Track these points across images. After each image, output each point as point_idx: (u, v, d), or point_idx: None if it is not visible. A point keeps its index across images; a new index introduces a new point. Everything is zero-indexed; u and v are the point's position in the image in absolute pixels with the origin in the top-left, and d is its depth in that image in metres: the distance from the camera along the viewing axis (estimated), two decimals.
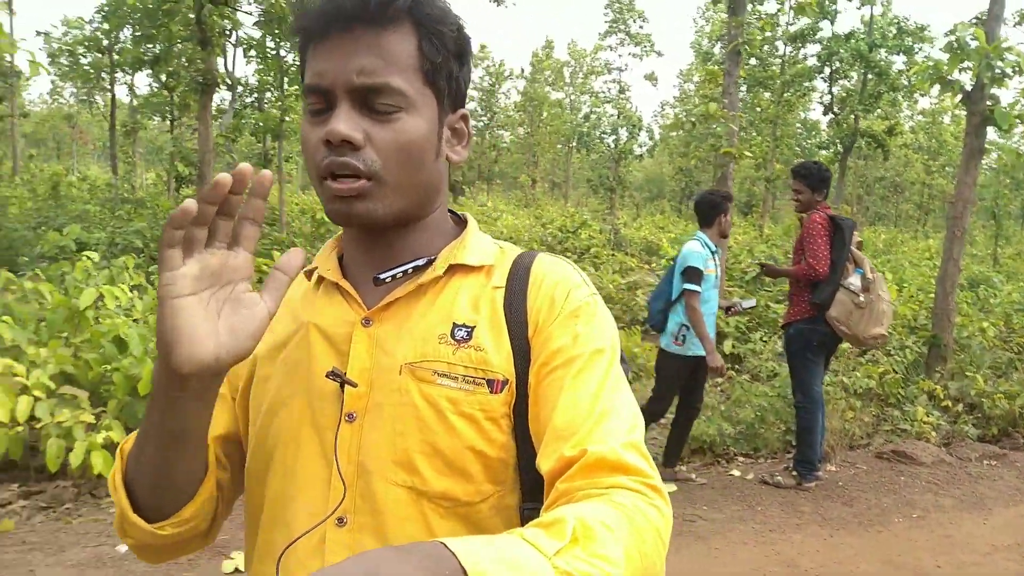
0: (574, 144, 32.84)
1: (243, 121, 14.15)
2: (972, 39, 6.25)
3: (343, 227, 0.90)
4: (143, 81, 21.62)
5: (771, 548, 3.55)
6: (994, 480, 4.70)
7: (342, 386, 0.84)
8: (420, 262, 0.89)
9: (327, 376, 0.83)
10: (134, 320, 4.77)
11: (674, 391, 4.31)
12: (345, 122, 0.80)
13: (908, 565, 3.46)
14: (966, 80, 6.50)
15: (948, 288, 6.59)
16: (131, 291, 5.07)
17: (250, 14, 11.34)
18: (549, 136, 34.65)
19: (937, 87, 6.63)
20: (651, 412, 4.37)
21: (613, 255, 13.55)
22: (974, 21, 6.37)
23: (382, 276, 0.86)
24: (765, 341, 6.73)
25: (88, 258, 5.14)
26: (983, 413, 5.87)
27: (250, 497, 0.92)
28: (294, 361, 0.88)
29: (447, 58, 0.86)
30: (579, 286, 0.89)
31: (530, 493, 0.85)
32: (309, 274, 0.95)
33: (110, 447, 3.86)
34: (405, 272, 0.87)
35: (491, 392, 0.83)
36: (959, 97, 6.60)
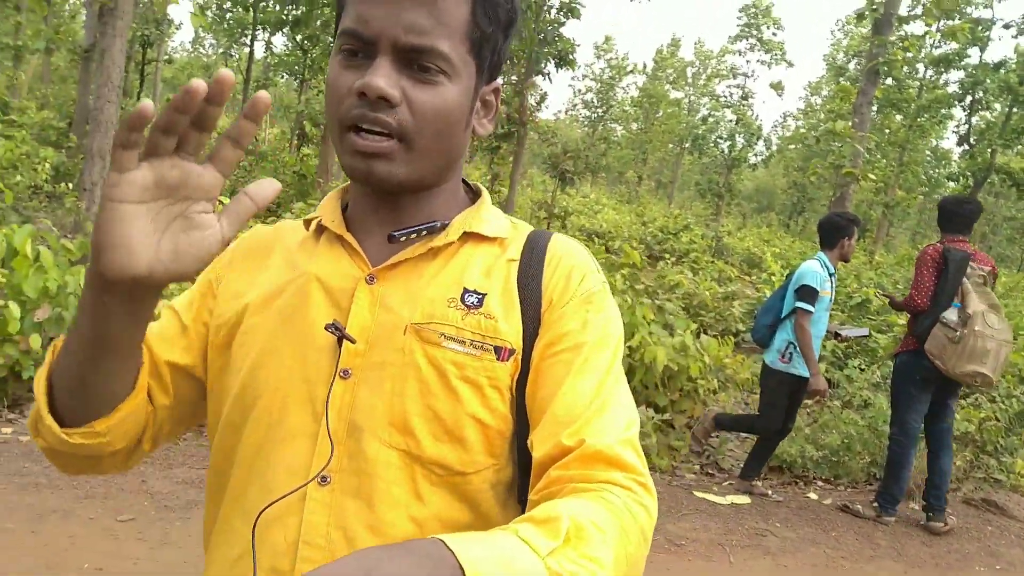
0: (687, 146, 32.32)
1: None
2: None
3: (357, 184, 0.86)
4: (280, 41, 22.64)
5: (841, 574, 3.52)
6: None
7: (340, 341, 0.81)
8: (435, 224, 0.86)
9: (326, 329, 0.80)
10: None
11: (779, 408, 4.30)
12: (385, 78, 0.76)
13: None
14: None
15: None
16: None
17: None
18: (662, 135, 34.20)
19: None
20: (758, 428, 4.42)
21: (713, 262, 13.38)
22: None
23: (397, 234, 0.84)
24: (862, 369, 6.55)
25: (220, 201, 5.49)
26: None
27: (220, 451, 0.87)
28: (290, 310, 0.84)
29: (496, 29, 0.83)
30: (594, 272, 0.88)
31: (524, 469, 0.83)
32: (309, 223, 0.91)
33: None
34: (418, 233, 0.85)
35: (498, 359, 0.81)
36: None
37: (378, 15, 0.77)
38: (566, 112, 38.31)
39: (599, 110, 35.27)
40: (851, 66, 22.92)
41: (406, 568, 0.52)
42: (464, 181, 0.94)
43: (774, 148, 33.43)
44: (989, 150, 15.98)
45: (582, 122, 37.52)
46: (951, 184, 22.46)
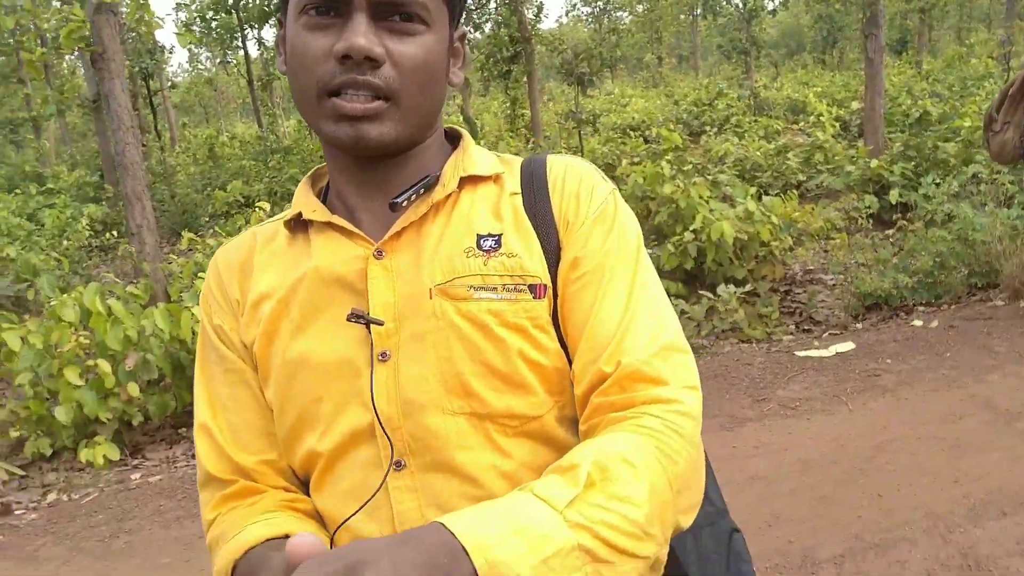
0: (699, 12, 30.92)
1: None
2: None
3: (344, 152, 0.80)
4: (271, 33, 22.47)
5: (964, 391, 3.44)
6: None
7: (367, 327, 0.76)
8: (429, 179, 0.82)
9: (348, 319, 0.75)
10: None
11: None
12: (364, 35, 0.72)
13: None
14: None
15: None
16: None
17: None
18: (671, 7, 32.81)
19: None
20: None
21: (756, 121, 12.91)
22: None
23: (399, 200, 0.78)
24: (938, 184, 6.26)
25: (260, 208, 5.58)
26: None
27: (293, 465, 0.85)
28: (304, 313, 0.79)
29: None
30: (600, 182, 0.84)
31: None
32: (290, 223, 0.85)
33: None
34: (417, 193, 0.80)
35: (535, 297, 0.78)
36: None
37: None
38: (567, 15, 37.08)
39: (599, 3, 34.02)
40: None
41: (400, 560, 0.51)
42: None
43: None
44: None
45: (586, 20, 36.33)
46: None
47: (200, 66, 40.26)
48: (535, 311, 0.78)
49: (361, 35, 0.72)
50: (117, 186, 11.93)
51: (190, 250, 6.70)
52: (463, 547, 0.54)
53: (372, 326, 0.76)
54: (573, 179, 0.83)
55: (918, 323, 4.43)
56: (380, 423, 0.75)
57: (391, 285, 0.78)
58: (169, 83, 26.93)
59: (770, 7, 25.62)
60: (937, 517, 2.54)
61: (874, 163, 7.20)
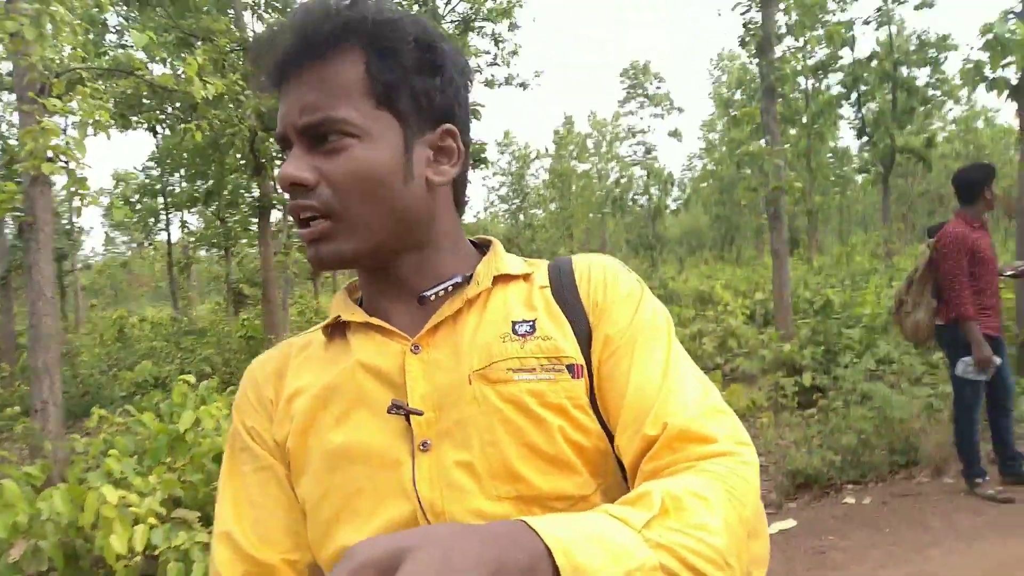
0: (607, 210, 33.13)
1: (293, 239, 14.71)
2: (1010, 33, 6.21)
3: (319, 270, 0.86)
4: (193, 218, 22.66)
5: (913, 567, 3.42)
6: None
7: (407, 418, 0.77)
8: (458, 279, 0.84)
9: (389, 411, 0.76)
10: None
11: None
12: (293, 163, 0.77)
13: None
14: (1011, 75, 6.45)
15: (1021, 283, 6.43)
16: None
17: None
18: (581, 207, 35.07)
19: (982, 87, 6.58)
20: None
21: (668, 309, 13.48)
22: (1010, 17, 6.34)
23: (427, 293, 0.82)
24: (847, 366, 6.57)
25: (184, 380, 5.34)
26: None
27: (321, 563, 0.83)
28: (344, 406, 0.80)
29: (405, 74, 0.79)
30: (625, 272, 0.87)
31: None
32: (327, 328, 0.88)
33: None
34: (446, 290, 0.83)
35: (573, 378, 0.78)
36: (1006, 94, 6.53)
37: (284, 111, 0.79)
38: (485, 210, 39.10)
39: (515, 201, 36.06)
40: (736, 96, 24.11)
41: (459, 550, 0.48)
42: (472, 240, 0.93)
43: (688, 191, 34.58)
44: (888, 136, 16.80)
45: (502, 216, 38.28)
46: (859, 177, 23.54)
47: (115, 249, 39.90)
48: (574, 391, 0.78)
49: (290, 164, 0.77)
50: (15, 364, 11.29)
51: (98, 429, 6.28)
52: (546, 546, 0.50)
53: (412, 417, 0.77)
54: (599, 269, 0.86)
55: (851, 500, 4.46)
56: (423, 510, 0.74)
57: (428, 377, 0.79)
58: (81, 265, 26.46)
59: (672, 207, 27.79)
60: None
61: (787, 347, 7.54)
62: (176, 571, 3.88)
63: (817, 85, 18.07)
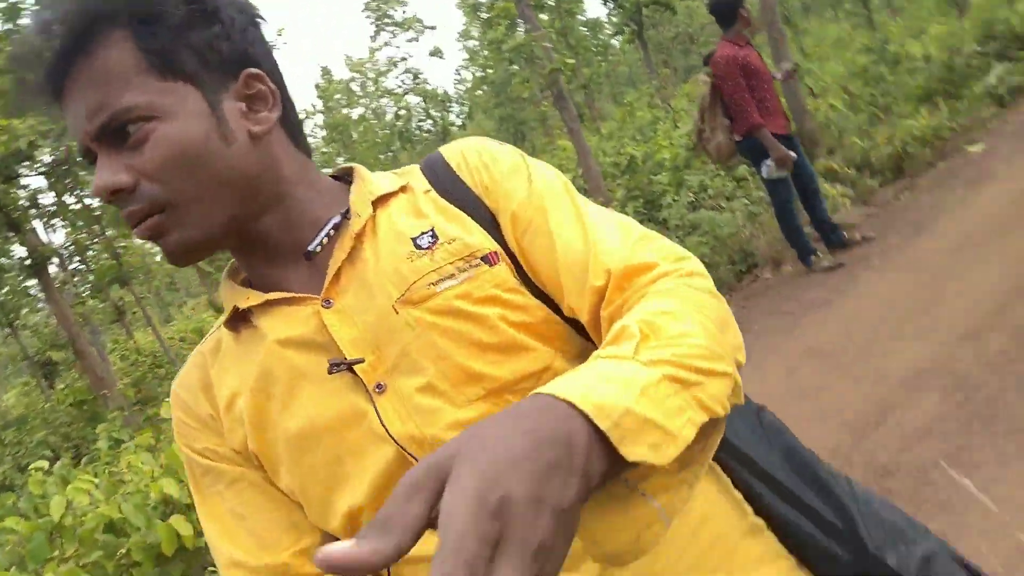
0: (396, 146, 32.73)
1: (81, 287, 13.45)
2: None
3: (180, 266, 0.78)
4: None
5: (786, 348, 3.80)
6: (916, 206, 5.18)
7: (351, 370, 0.75)
8: (336, 219, 0.80)
9: (330, 371, 0.74)
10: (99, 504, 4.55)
11: None
12: (103, 171, 0.71)
13: (899, 298, 3.80)
14: None
15: (793, 87, 7.09)
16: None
17: (41, 174, 10.74)
18: (368, 151, 34.43)
19: None
20: None
21: None
22: None
23: (312, 247, 0.79)
24: (670, 204, 7.02)
25: (35, 468, 4.85)
26: (871, 167, 6.36)
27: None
28: (284, 389, 0.77)
29: (179, 35, 0.73)
30: (497, 145, 0.86)
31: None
32: (230, 323, 0.82)
33: None
34: (328, 236, 0.80)
35: (492, 266, 0.77)
36: None
37: (71, 123, 0.73)
38: None
39: None
40: None
41: (511, 430, 0.47)
42: (332, 176, 0.88)
43: (466, 104, 34.74)
44: None
45: None
46: (618, 37, 24.62)
47: None
48: (499, 277, 0.77)
49: (101, 174, 0.71)
50: None
51: None
52: (567, 401, 0.50)
53: (357, 367, 0.74)
54: (473, 153, 0.84)
55: None
56: (403, 447, 0.73)
57: (351, 323, 0.76)
58: None
59: (458, 123, 27.89)
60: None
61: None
62: None
63: None
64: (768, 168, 4.54)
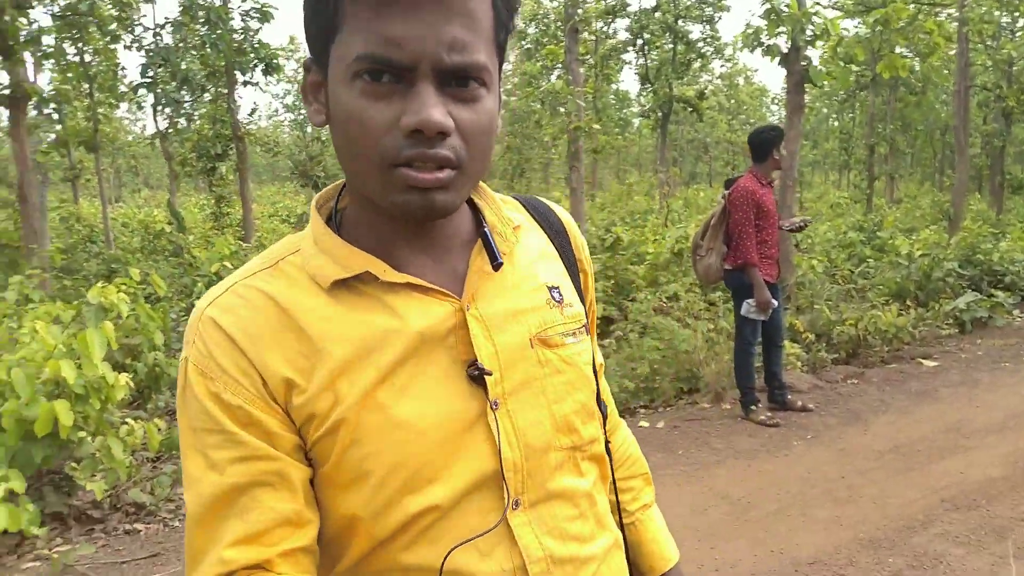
0: None
1: (49, 134, 12.89)
2: (786, 7, 6.95)
3: (406, 219, 0.76)
4: None
5: (703, 485, 3.85)
6: (861, 396, 5.33)
7: (479, 379, 0.76)
8: (485, 228, 0.83)
9: (469, 372, 0.76)
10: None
11: None
12: (437, 108, 0.68)
13: (818, 480, 3.89)
14: (782, 44, 7.20)
15: (784, 235, 7.31)
16: None
17: (49, 13, 10.37)
18: None
19: (759, 51, 7.30)
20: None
21: None
22: None
23: (500, 260, 0.81)
24: (635, 300, 7.11)
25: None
26: (830, 340, 6.58)
27: (369, 529, 0.76)
28: (408, 375, 0.75)
29: (511, 15, 0.76)
30: None
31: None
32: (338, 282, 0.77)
33: (11, 498, 3.53)
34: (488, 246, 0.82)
35: (587, 335, 0.89)
36: (777, 59, 7.28)
37: (413, 35, 0.67)
38: (269, 119, 36.80)
39: (303, 111, 34.27)
40: (530, 30, 24.39)
41: None
42: None
43: None
44: (667, 84, 17.98)
45: (290, 125, 36.29)
46: (636, 121, 25.05)
47: None
48: (590, 349, 0.89)
49: (435, 109, 0.68)
50: None
51: None
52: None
53: (485, 377, 0.77)
54: (576, 228, 0.94)
55: (645, 424, 4.90)
56: (502, 466, 0.77)
57: (490, 337, 0.79)
58: None
59: None
60: None
61: None
62: None
63: (606, 29, 18.80)
64: (748, 307, 4.65)
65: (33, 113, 10.43)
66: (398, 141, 0.69)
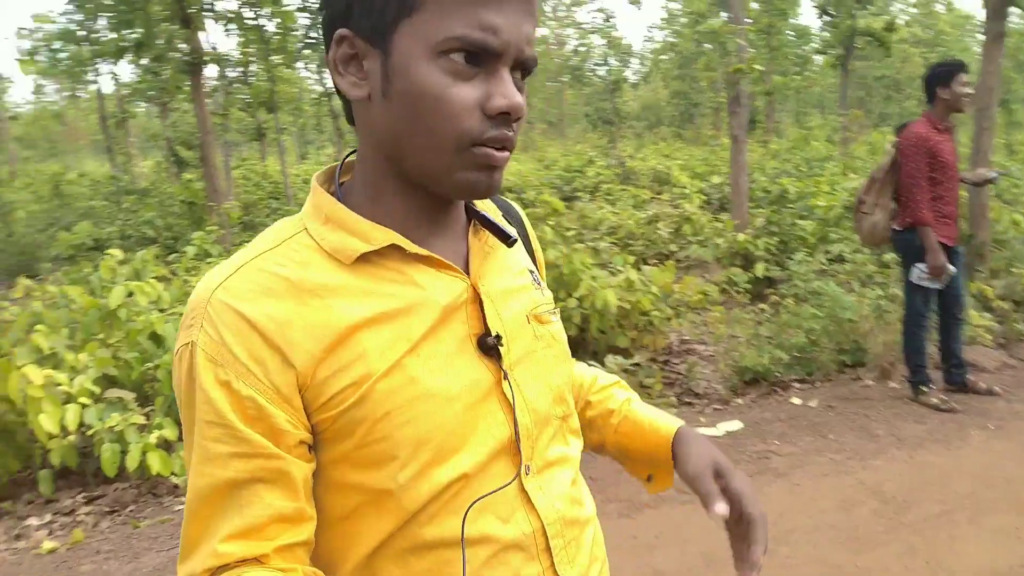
0: (566, 79, 32.13)
1: (233, 97, 13.84)
2: None
3: (460, 198, 0.80)
4: (126, 69, 21.19)
5: (853, 477, 3.46)
6: None
7: (494, 351, 0.81)
8: (488, 215, 0.91)
9: (487, 341, 0.81)
10: (161, 311, 4.67)
11: None
12: (519, 96, 0.75)
13: (997, 479, 3.38)
14: None
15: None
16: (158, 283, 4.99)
17: None
18: (538, 75, 33.96)
19: None
20: None
21: (625, 190, 13.30)
22: None
23: (514, 237, 0.89)
24: (802, 261, 6.54)
25: (111, 255, 5.02)
26: None
27: (400, 502, 0.77)
28: (429, 346, 0.78)
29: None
30: None
31: None
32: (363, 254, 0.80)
33: (165, 446, 3.82)
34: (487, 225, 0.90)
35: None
36: None
37: (508, 25, 0.73)
38: None
39: None
40: None
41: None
42: None
43: (648, 64, 33.60)
44: (850, 16, 16.28)
45: None
46: (817, 59, 23.02)
47: (46, 98, 37.33)
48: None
49: (517, 94, 0.74)
50: None
51: (26, 297, 5.96)
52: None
53: (501, 350, 0.83)
54: (528, 221, 1.03)
55: (797, 401, 4.50)
56: (516, 431, 0.82)
57: (497, 312, 0.84)
58: (10, 114, 24.76)
59: (632, 80, 27.06)
60: None
61: (741, 237, 7.45)
62: (111, 452, 3.76)
63: None
64: (919, 273, 4.10)
65: (214, 78, 11.19)
66: (478, 122, 0.73)
